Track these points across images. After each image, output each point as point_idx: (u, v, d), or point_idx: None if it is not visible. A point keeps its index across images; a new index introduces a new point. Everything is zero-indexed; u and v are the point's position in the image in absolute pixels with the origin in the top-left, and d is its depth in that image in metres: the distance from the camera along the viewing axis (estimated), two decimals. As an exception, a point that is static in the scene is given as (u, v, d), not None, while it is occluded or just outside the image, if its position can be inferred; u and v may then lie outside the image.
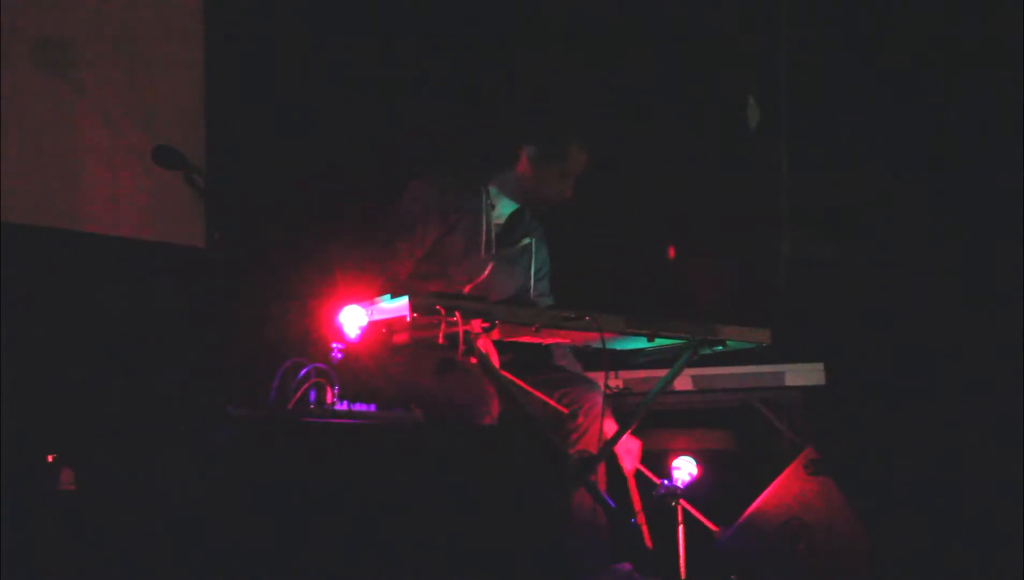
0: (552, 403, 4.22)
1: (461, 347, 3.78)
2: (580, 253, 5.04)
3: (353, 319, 3.77)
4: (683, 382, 4.94)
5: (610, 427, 4.36)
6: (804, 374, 4.98)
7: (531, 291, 4.54)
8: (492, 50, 5.48)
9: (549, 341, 4.29)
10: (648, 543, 4.29)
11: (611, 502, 4.18)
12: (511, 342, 4.23)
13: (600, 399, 4.32)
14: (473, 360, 3.87)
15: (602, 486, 4.29)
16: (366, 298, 3.85)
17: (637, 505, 4.36)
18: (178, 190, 3.87)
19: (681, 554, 4.33)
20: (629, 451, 4.44)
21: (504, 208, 4.50)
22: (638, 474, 4.45)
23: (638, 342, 4.24)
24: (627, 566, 4.26)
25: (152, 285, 4.48)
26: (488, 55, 5.47)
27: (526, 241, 4.53)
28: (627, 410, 4.41)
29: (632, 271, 5.55)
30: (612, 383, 4.61)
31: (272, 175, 4.81)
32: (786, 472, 4.34)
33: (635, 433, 4.41)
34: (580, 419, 4.29)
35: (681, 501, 4.35)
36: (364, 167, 5.07)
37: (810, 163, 5.72)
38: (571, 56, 5.57)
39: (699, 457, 4.52)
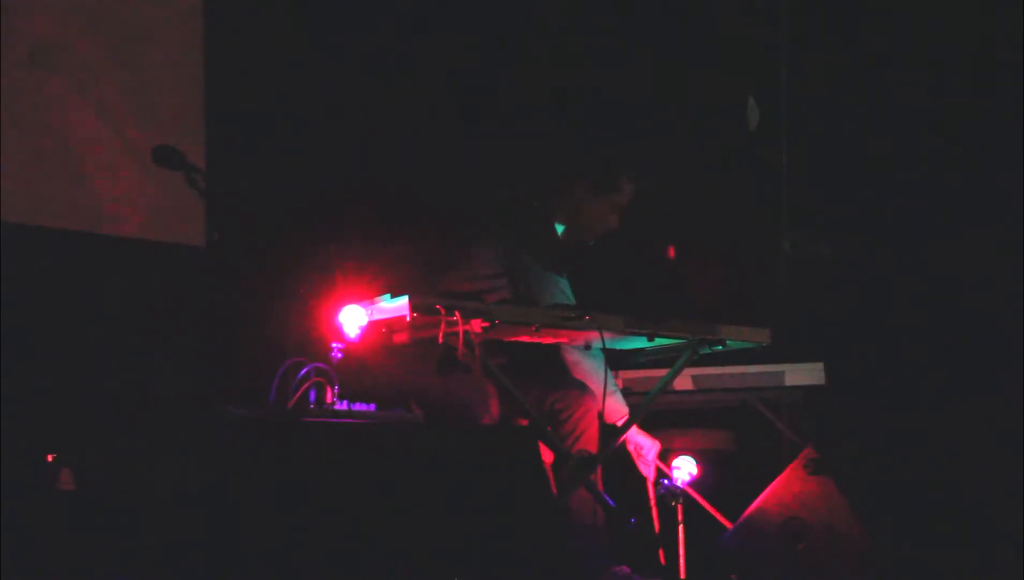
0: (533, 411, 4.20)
1: (461, 347, 3.78)
2: (580, 252, 5.03)
3: (353, 319, 3.77)
4: (683, 382, 4.94)
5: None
6: (804, 374, 4.98)
7: None
8: (486, 43, 5.48)
9: (549, 341, 4.29)
10: (662, 561, 4.31)
11: (611, 502, 4.18)
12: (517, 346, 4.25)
13: (594, 406, 4.31)
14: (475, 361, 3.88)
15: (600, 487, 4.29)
16: (366, 298, 3.85)
17: (656, 521, 4.37)
18: (178, 190, 3.87)
19: (681, 554, 4.34)
20: (644, 455, 4.44)
21: None
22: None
23: (638, 342, 4.24)
24: (626, 569, 4.27)
25: (152, 285, 4.47)
26: (484, 49, 5.47)
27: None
28: (629, 409, 4.41)
29: (632, 271, 5.55)
30: (613, 380, 4.61)
31: (272, 175, 4.81)
32: (786, 472, 4.34)
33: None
34: (571, 425, 4.28)
35: (695, 496, 4.37)
36: (364, 167, 5.06)
37: (810, 163, 5.72)
38: (571, 57, 5.57)
39: (699, 457, 4.53)
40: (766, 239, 5.72)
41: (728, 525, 4.41)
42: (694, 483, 4.46)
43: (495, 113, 5.41)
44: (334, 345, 3.69)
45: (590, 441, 4.23)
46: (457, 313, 3.76)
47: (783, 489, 4.32)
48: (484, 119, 5.37)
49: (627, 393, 4.64)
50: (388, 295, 3.79)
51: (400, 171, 5.10)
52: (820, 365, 4.97)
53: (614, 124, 5.49)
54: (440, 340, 3.79)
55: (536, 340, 4.22)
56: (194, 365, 4.31)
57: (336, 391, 3.57)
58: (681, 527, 4.34)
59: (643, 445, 4.42)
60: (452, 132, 5.27)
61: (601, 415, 4.26)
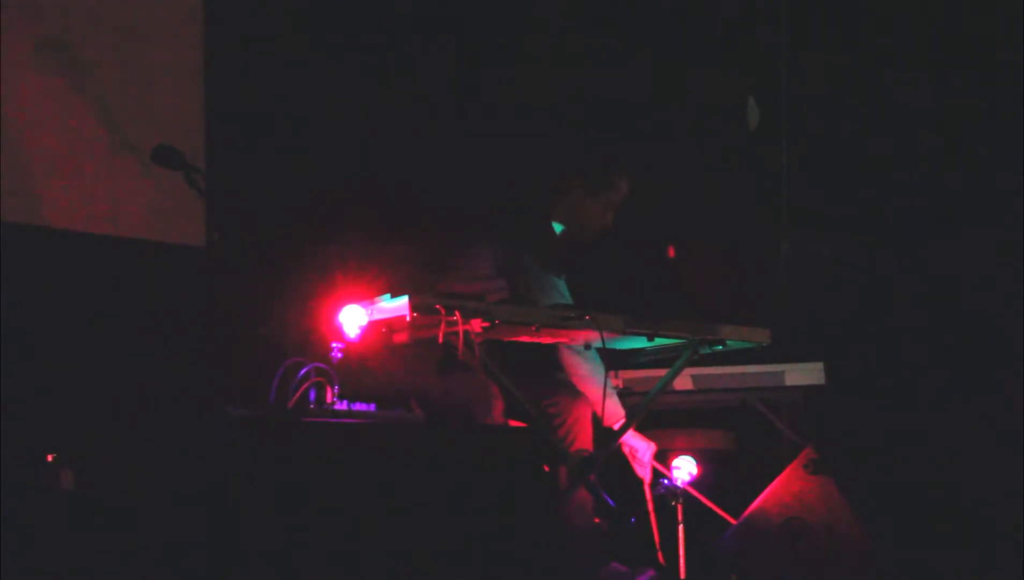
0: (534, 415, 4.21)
1: (461, 347, 3.78)
2: (580, 253, 5.04)
3: (353, 319, 3.77)
4: (683, 382, 4.94)
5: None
6: (804, 374, 4.98)
7: None
8: (486, 43, 5.48)
9: (549, 341, 4.29)
10: (661, 560, 4.32)
11: (611, 502, 4.18)
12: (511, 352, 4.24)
13: (587, 410, 4.32)
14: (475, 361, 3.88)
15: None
16: (366, 298, 3.85)
17: (654, 522, 4.36)
18: (178, 190, 3.87)
19: (681, 554, 4.34)
20: (640, 458, 4.43)
21: None
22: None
23: (638, 342, 4.24)
24: (624, 568, 4.27)
25: (152, 285, 4.47)
26: (482, 48, 5.47)
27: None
28: (627, 410, 4.41)
29: (632, 271, 5.55)
30: (612, 383, 4.62)
31: (272, 175, 4.81)
32: (786, 472, 4.34)
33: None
34: (564, 430, 4.28)
35: (695, 494, 4.37)
36: (364, 167, 5.06)
37: (810, 163, 5.72)
38: (572, 57, 5.57)
39: (699, 457, 4.53)
40: (766, 239, 5.72)
41: (732, 521, 4.41)
42: (694, 483, 4.46)
43: (494, 113, 5.41)
44: (334, 345, 3.68)
45: (584, 445, 4.24)
46: (457, 313, 3.75)
47: (783, 489, 4.32)
48: (483, 119, 5.37)
49: (627, 393, 4.64)
50: (388, 295, 3.79)
51: (400, 171, 5.10)
52: (820, 365, 4.97)
53: (613, 124, 5.49)
54: (440, 340, 3.79)
55: (536, 340, 4.22)
56: (194, 365, 4.31)
57: (336, 391, 3.56)
58: (681, 527, 4.35)
59: (638, 447, 4.42)
60: (452, 132, 5.27)
61: (597, 418, 4.26)
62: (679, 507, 4.36)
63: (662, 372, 4.39)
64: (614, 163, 4.51)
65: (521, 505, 3.70)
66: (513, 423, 4.16)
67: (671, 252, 5.89)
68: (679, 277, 5.79)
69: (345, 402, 3.57)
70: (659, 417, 4.79)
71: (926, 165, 5.46)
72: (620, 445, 4.38)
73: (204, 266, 4.36)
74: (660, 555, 4.34)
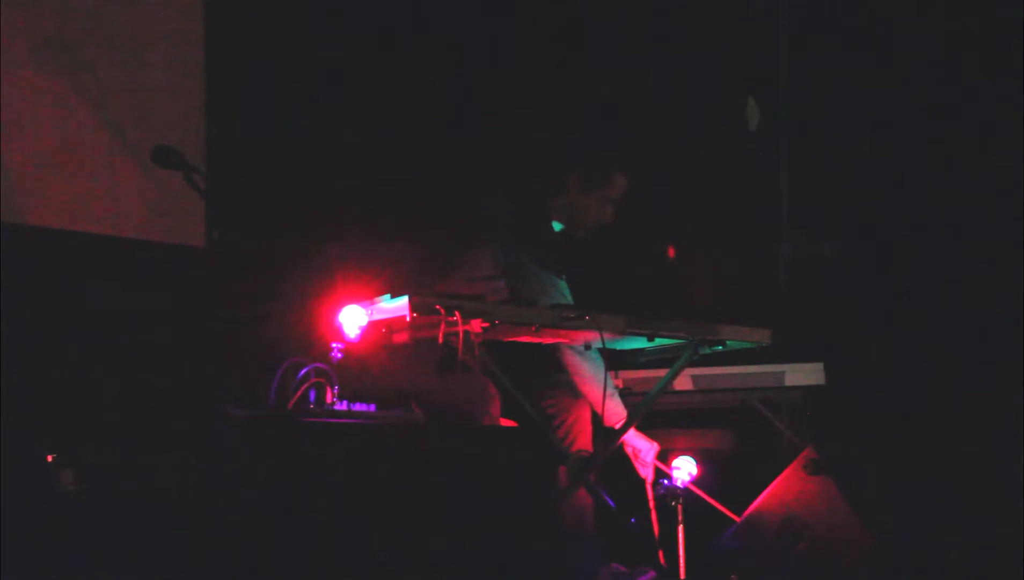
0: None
1: (461, 347, 3.78)
2: (580, 252, 5.04)
3: (353, 319, 3.77)
4: (683, 382, 4.94)
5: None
6: (804, 374, 4.98)
7: None
8: (486, 47, 5.48)
9: (549, 341, 4.29)
10: (661, 560, 4.32)
11: (611, 502, 4.18)
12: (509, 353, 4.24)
13: (587, 410, 4.31)
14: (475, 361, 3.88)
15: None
16: (366, 298, 3.85)
17: (656, 523, 4.36)
18: (178, 190, 3.87)
19: (681, 554, 4.34)
20: (643, 458, 4.43)
21: None
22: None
23: (638, 342, 4.24)
24: (623, 568, 4.27)
25: (152, 285, 4.47)
26: (483, 52, 5.47)
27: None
28: (628, 410, 4.41)
29: (632, 271, 5.55)
30: (613, 383, 4.62)
31: (272, 175, 4.81)
32: (786, 472, 4.34)
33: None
34: (563, 431, 4.28)
35: (698, 492, 4.37)
36: (364, 167, 5.06)
37: (810, 163, 5.72)
38: (572, 56, 5.57)
39: (699, 457, 4.53)
40: (766, 239, 5.72)
41: (735, 518, 4.41)
42: (694, 483, 4.46)
43: (494, 113, 5.41)
44: (334, 345, 3.68)
45: (584, 445, 4.24)
46: (457, 313, 3.75)
47: (783, 489, 4.32)
48: (483, 119, 5.37)
49: (627, 393, 4.63)
50: (388, 295, 3.79)
51: (400, 171, 5.10)
52: (820, 365, 4.97)
53: (610, 121, 5.49)
54: (440, 340, 3.79)
55: (536, 340, 4.22)
56: (194, 365, 4.31)
57: (336, 391, 3.56)
58: (681, 527, 4.35)
59: (641, 447, 4.42)
60: (452, 132, 5.27)
61: (597, 417, 4.26)
62: (679, 507, 4.36)
63: (662, 372, 4.38)
64: (609, 157, 4.51)
65: (521, 505, 3.70)
66: (504, 422, 4.16)
67: (671, 252, 5.89)
68: (679, 277, 5.79)
69: (345, 402, 3.57)
70: (659, 417, 4.79)
71: (926, 165, 5.46)
72: (622, 445, 4.38)
73: (204, 266, 4.36)
74: (660, 555, 4.34)
